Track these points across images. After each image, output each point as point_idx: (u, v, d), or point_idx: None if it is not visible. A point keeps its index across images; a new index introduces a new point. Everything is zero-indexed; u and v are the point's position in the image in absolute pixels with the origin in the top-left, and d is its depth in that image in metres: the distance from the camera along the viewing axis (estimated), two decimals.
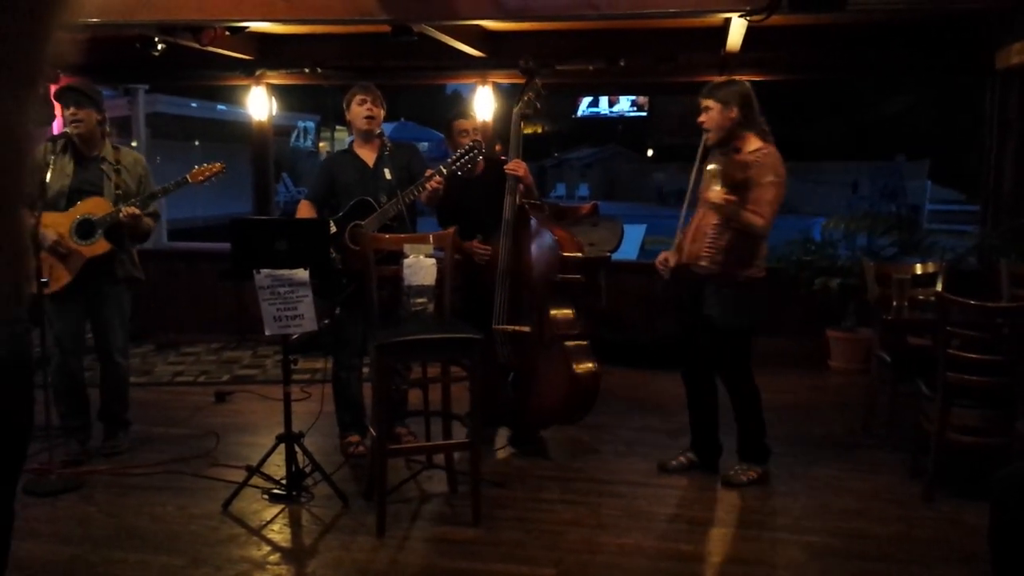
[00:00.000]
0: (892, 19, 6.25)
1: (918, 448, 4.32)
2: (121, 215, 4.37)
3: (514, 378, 4.73)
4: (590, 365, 4.61)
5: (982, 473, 3.13)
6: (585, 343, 4.66)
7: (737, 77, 6.49)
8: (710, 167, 4.06)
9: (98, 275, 4.47)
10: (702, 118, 4.16)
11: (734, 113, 4.07)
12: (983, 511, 2.84)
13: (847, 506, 4.00)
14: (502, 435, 4.94)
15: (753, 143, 4.11)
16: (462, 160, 4.45)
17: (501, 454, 4.71)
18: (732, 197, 3.95)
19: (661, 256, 4.34)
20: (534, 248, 4.67)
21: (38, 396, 4.12)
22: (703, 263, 4.12)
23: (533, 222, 4.68)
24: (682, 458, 4.44)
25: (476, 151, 4.48)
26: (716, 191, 3.97)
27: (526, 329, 4.62)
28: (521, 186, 4.66)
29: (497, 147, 7.79)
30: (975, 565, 3.34)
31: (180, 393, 6.00)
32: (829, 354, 6.65)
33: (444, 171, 4.41)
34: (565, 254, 4.56)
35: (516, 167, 4.63)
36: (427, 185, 4.38)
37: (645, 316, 7.08)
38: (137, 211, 4.40)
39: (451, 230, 4.29)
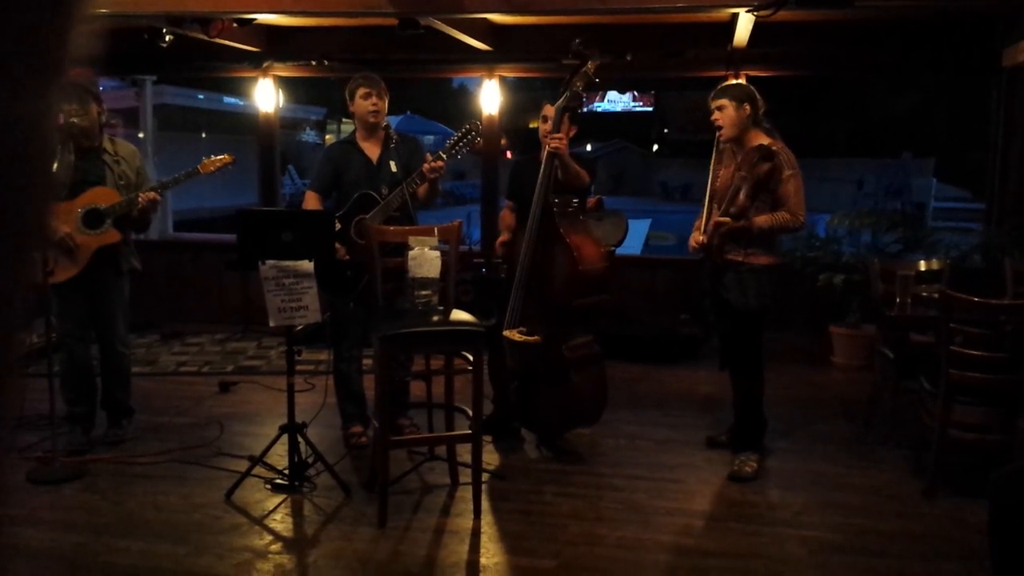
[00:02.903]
0: (899, 16, 6.25)
1: (920, 445, 4.33)
2: (141, 199, 4.43)
3: (519, 385, 4.66)
4: (599, 382, 4.58)
5: (983, 470, 3.13)
6: (598, 358, 4.59)
7: (744, 72, 6.55)
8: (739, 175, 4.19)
9: (103, 266, 4.49)
10: (716, 116, 4.27)
11: (747, 110, 4.22)
12: (984, 508, 2.85)
13: (848, 502, 4.01)
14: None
15: (762, 139, 4.22)
16: (460, 143, 4.47)
17: (531, 453, 4.64)
18: (738, 224, 4.11)
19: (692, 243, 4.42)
20: (554, 258, 4.41)
21: (42, 384, 4.17)
22: (728, 256, 4.23)
23: (558, 226, 4.38)
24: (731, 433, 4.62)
25: (473, 133, 4.48)
26: (724, 221, 4.14)
27: (535, 339, 4.47)
28: (558, 169, 4.32)
29: (503, 140, 7.80)
30: (975, 562, 3.35)
31: (184, 383, 6.03)
32: (832, 350, 6.65)
33: (444, 155, 4.43)
34: (584, 278, 4.34)
35: (559, 142, 4.29)
36: (425, 168, 4.35)
37: (647, 310, 7.09)
38: (157, 196, 4.46)
39: (457, 223, 4.30)
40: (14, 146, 0.49)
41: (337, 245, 4.33)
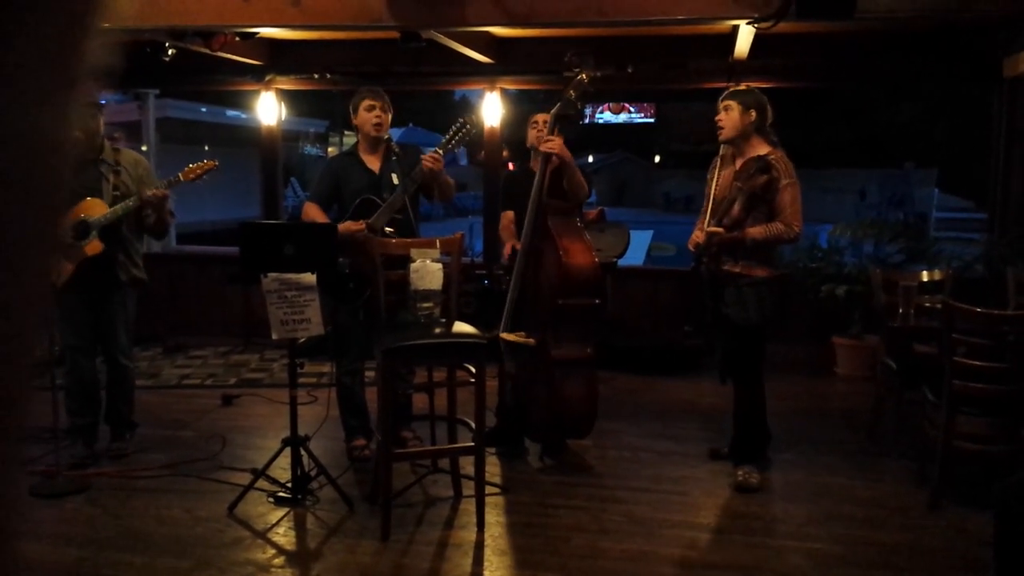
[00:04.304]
0: (900, 27, 6.26)
1: (924, 456, 4.32)
2: (148, 194, 4.42)
3: (513, 388, 4.69)
4: (587, 389, 4.52)
5: (988, 481, 3.12)
6: (588, 363, 4.54)
7: (745, 84, 6.56)
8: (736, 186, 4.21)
9: (99, 278, 4.49)
10: (720, 117, 4.31)
11: (752, 116, 4.24)
12: (988, 519, 2.84)
13: (852, 513, 3.99)
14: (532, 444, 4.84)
15: (762, 148, 4.25)
16: (455, 138, 4.57)
17: (535, 463, 4.63)
18: (732, 234, 4.16)
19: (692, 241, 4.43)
20: (544, 258, 4.49)
21: (46, 397, 4.17)
22: (725, 267, 4.26)
23: (549, 226, 4.44)
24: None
25: (467, 126, 4.55)
26: (718, 232, 4.19)
27: (531, 342, 4.50)
28: (554, 162, 4.44)
29: (504, 152, 7.82)
30: (980, 573, 3.34)
31: (187, 396, 6.02)
32: (835, 361, 6.64)
33: (440, 150, 4.50)
34: (567, 276, 4.35)
35: (552, 144, 4.41)
36: (424, 160, 4.43)
37: (650, 322, 7.08)
38: (166, 192, 4.47)
39: (459, 235, 4.30)
40: (32, 154, 0.49)
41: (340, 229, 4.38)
